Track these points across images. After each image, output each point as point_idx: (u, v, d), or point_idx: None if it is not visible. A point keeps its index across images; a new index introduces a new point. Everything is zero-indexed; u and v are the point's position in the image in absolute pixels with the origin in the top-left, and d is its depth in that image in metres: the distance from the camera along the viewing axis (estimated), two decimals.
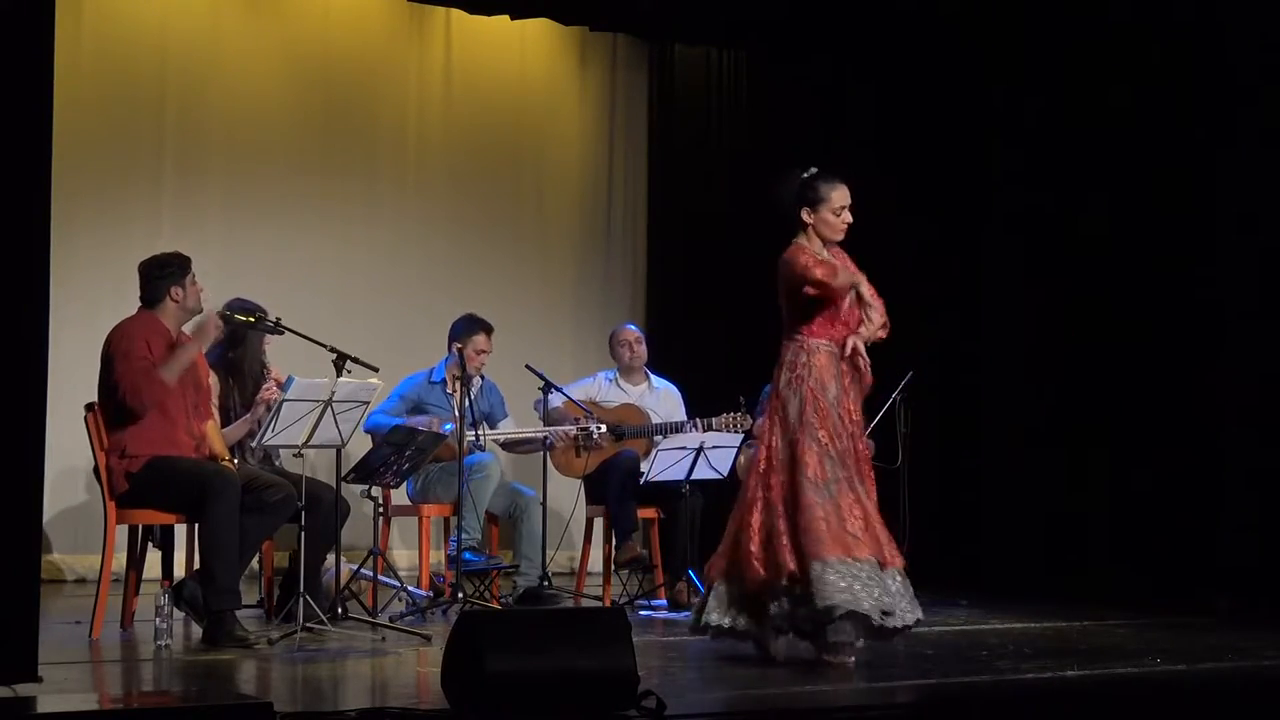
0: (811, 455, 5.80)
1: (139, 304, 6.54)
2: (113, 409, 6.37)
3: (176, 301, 6.48)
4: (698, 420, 8.05)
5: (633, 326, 8.67)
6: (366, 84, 9.79)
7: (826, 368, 5.90)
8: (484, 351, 7.86)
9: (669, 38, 10.47)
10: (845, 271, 5.95)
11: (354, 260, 9.65)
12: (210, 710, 4.31)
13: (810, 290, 5.90)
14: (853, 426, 5.92)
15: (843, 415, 5.88)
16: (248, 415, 6.89)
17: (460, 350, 7.77)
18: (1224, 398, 8.30)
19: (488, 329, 7.91)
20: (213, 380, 6.92)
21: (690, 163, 10.58)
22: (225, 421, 6.94)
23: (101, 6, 9.08)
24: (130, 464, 6.33)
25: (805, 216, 5.97)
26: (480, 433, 7.81)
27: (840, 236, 6.02)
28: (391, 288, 9.71)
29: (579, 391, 8.27)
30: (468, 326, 7.90)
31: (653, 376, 8.46)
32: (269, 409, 6.48)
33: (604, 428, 7.93)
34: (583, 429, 7.93)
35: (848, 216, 5.99)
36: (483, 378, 7.96)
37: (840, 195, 5.97)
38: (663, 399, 8.40)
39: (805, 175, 6.01)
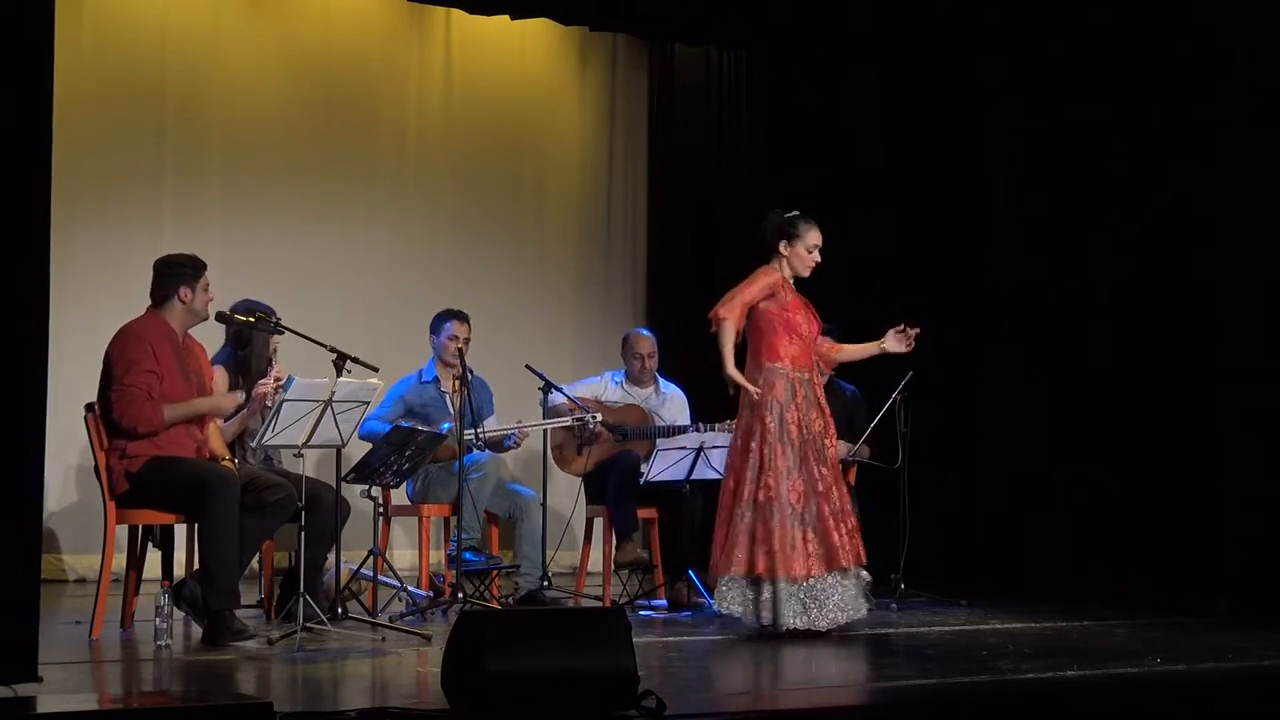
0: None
1: (148, 302, 6.54)
2: (107, 417, 6.37)
3: (184, 303, 6.48)
4: (700, 425, 8.03)
5: (647, 333, 8.52)
6: (366, 84, 9.79)
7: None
8: (456, 338, 7.82)
9: (669, 38, 10.45)
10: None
11: (354, 259, 9.64)
12: (210, 710, 4.31)
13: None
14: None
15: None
16: (244, 410, 6.88)
17: (444, 342, 7.79)
18: (1224, 398, 8.29)
19: (459, 315, 7.90)
20: (221, 378, 6.96)
21: (690, 163, 10.57)
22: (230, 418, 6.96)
23: (102, 6, 9.08)
24: (130, 464, 6.33)
25: (782, 249, 6.78)
26: (480, 431, 7.79)
27: (807, 273, 6.81)
28: (391, 287, 9.70)
29: (584, 390, 8.25)
30: (443, 316, 7.93)
31: (661, 381, 8.41)
32: (265, 404, 6.49)
33: (599, 417, 7.90)
34: (578, 419, 7.90)
35: (818, 256, 6.79)
36: (472, 373, 7.92)
37: (814, 235, 6.78)
38: (669, 403, 8.35)
39: (788, 214, 6.81)
